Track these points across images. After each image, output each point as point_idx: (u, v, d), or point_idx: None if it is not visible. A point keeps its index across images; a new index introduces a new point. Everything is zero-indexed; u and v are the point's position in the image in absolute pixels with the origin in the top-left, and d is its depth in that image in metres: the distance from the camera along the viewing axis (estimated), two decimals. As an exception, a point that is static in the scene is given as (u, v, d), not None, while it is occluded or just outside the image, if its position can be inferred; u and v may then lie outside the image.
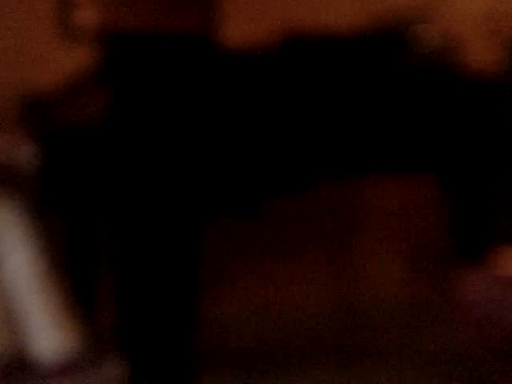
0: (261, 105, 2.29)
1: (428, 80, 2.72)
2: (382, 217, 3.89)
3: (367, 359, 2.98)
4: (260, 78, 2.31)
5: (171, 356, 2.28)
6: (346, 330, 3.62)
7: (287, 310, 3.71)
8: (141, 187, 2.13)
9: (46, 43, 3.30)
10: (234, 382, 2.67)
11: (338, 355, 3.05)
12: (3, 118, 3.19)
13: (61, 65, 3.28)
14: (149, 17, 3.39)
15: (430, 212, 3.97)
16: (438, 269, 3.94)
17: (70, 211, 3.13)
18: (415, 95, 2.63)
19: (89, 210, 3.02)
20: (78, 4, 3.31)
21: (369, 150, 2.53)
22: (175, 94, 2.17)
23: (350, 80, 2.45)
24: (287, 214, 3.68)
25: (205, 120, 2.21)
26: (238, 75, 2.28)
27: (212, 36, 3.50)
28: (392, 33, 2.95)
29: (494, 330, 1.41)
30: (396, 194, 3.91)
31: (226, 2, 3.60)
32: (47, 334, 2.46)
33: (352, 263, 3.87)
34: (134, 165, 2.12)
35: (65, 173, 2.45)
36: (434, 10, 3.87)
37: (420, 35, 2.90)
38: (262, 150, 2.27)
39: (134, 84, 2.14)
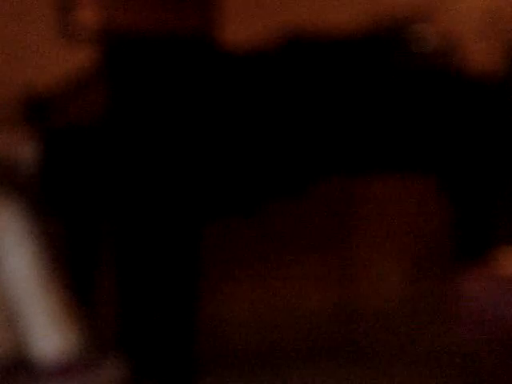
0: (261, 105, 2.29)
1: (428, 80, 2.72)
2: (382, 217, 3.88)
3: (368, 359, 2.98)
4: (260, 79, 2.31)
5: (171, 356, 2.28)
6: (346, 330, 3.62)
7: (287, 311, 3.71)
8: (141, 187, 2.13)
9: (47, 43, 3.30)
10: (233, 383, 2.66)
11: (339, 356, 3.05)
12: (4, 117, 3.20)
13: (61, 64, 3.28)
14: (149, 17, 3.41)
15: (431, 212, 3.97)
16: (438, 269, 3.94)
17: (71, 211, 3.14)
18: (415, 96, 2.63)
19: (89, 209, 3.03)
20: (79, 4, 3.32)
21: (369, 151, 2.53)
22: (175, 94, 2.17)
23: (351, 80, 2.45)
24: (287, 215, 3.68)
25: (205, 120, 2.21)
26: (238, 75, 2.28)
27: (212, 36, 3.51)
28: (392, 33, 2.95)
29: (495, 330, 1.41)
30: (396, 194, 3.91)
31: (227, 3, 3.60)
32: (47, 334, 2.45)
33: (352, 264, 3.87)
34: (134, 165, 2.12)
35: (65, 172, 2.45)
36: (433, 10, 3.87)
37: (420, 35, 2.90)
38: (262, 150, 2.28)
39: (134, 84, 2.14)
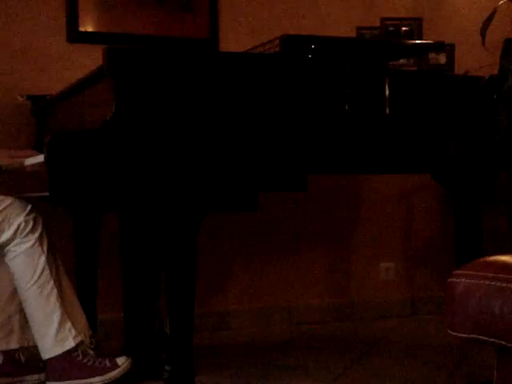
0: (261, 104, 2.30)
1: (425, 80, 2.73)
2: (381, 215, 3.89)
3: (366, 356, 2.99)
4: (260, 78, 2.32)
5: (171, 356, 2.29)
6: (344, 327, 3.63)
7: (286, 307, 3.72)
8: (141, 184, 2.14)
9: (51, 45, 3.30)
10: (233, 381, 2.67)
11: (337, 352, 3.06)
12: (9, 118, 3.20)
13: (64, 66, 3.28)
14: (148, 21, 3.41)
15: (430, 211, 3.98)
16: (437, 267, 3.95)
17: (72, 209, 3.14)
18: (412, 95, 2.64)
19: (91, 206, 3.04)
20: (83, 6, 3.33)
21: (368, 150, 2.54)
22: (176, 94, 2.19)
23: (350, 80, 2.46)
24: (285, 211, 3.68)
25: (205, 119, 2.22)
26: (238, 75, 2.29)
27: (213, 37, 3.52)
28: (389, 34, 2.97)
29: (493, 327, 1.43)
30: (395, 193, 3.92)
31: (226, 5, 3.61)
32: (48, 333, 2.46)
33: (351, 261, 3.87)
34: (136, 162, 2.13)
35: (66, 171, 2.45)
36: (430, 12, 3.88)
37: (417, 35, 2.91)
38: (261, 146, 2.29)
39: (135, 85, 2.15)
